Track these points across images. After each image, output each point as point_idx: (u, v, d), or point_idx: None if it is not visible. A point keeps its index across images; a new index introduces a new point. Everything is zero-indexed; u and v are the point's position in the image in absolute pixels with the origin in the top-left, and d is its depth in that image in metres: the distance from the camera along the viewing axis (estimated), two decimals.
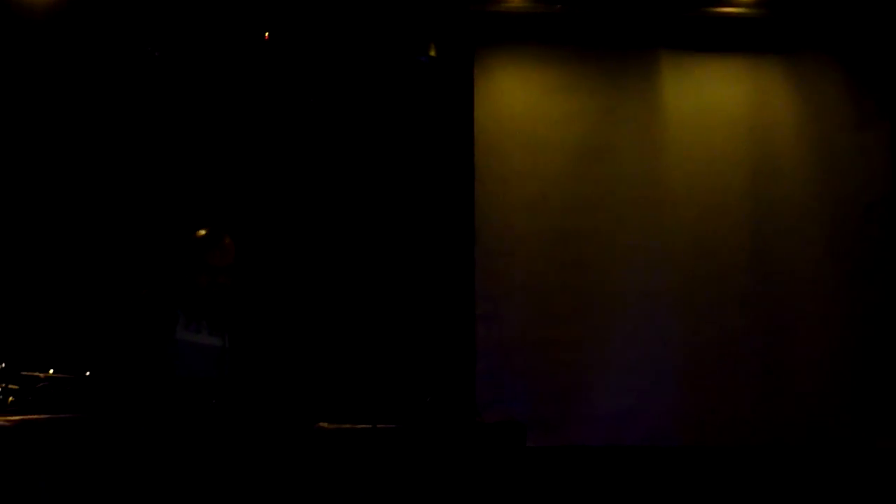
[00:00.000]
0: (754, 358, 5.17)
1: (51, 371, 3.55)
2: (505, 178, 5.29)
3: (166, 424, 3.45)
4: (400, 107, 5.34)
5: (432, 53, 5.09)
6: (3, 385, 3.44)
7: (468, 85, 5.30)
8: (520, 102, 5.37)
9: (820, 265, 5.27)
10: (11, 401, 3.41)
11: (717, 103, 5.41)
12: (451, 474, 4.24)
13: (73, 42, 4.97)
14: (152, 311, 3.64)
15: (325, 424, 3.98)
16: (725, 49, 5.43)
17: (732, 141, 5.38)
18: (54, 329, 4.69)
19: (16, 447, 3.18)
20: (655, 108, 5.37)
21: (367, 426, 4.03)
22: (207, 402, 3.62)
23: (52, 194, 4.98)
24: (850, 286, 5.24)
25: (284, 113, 5.18)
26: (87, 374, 3.59)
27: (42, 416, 3.33)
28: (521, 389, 5.08)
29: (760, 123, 5.40)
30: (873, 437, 5.07)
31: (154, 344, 3.62)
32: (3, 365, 3.52)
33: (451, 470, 4.25)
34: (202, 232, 3.83)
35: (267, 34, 5.11)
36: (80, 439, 3.35)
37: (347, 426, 4.02)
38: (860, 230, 5.30)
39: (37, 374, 3.51)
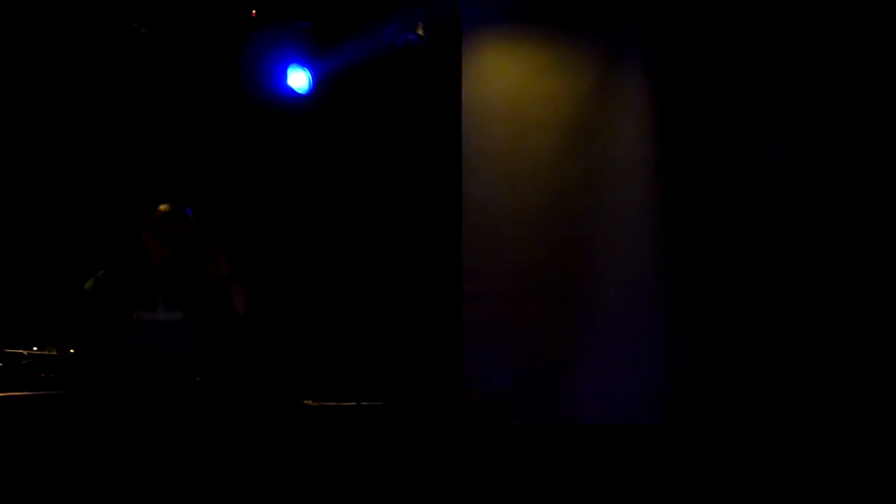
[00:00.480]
0: (740, 335, 5.18)
1: (34, 349, 3.56)
2: (493, 156, 5.27)
3: (148, 400, 3.47)
4: (388, 86, 5.33)
5: (420, 32, 5.07)
6: None
7: (456, 63, 5.28)
8: (507, 81, 5.35)
9: (806, 238, 5.26)
10: None
11: None
12: (436, 451, 4.26)
13: (60, 19, 4.95)
14: (110, 289, 3.65)
15: (309, 402, 4.00)
16: None
17: None
18: (37, 307, 4.69)
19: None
20: (644, 87, 5.36)
21: (352, 403, 4.05)
22: (190, 378, 3.64)
23: (23, 172, 4.94)
24: (837, 260, 5.23)
25: (268, 90, 5.17)
26: (71, 351, 3.59)
27: (26, 393, 3.36)
28: (507, 367, 5.09)
29: None
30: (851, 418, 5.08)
31: (113, 322, 3.64)
32: None
33: (437, 447, 4.27)
34: (164, 206, 3.84)
35: (254, 11, 5.11)
36: (64, 415, 3.38)
37: (332, 403, 4.04)
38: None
39: (20, 350, 3.53)
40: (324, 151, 5.31)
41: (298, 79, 5.16)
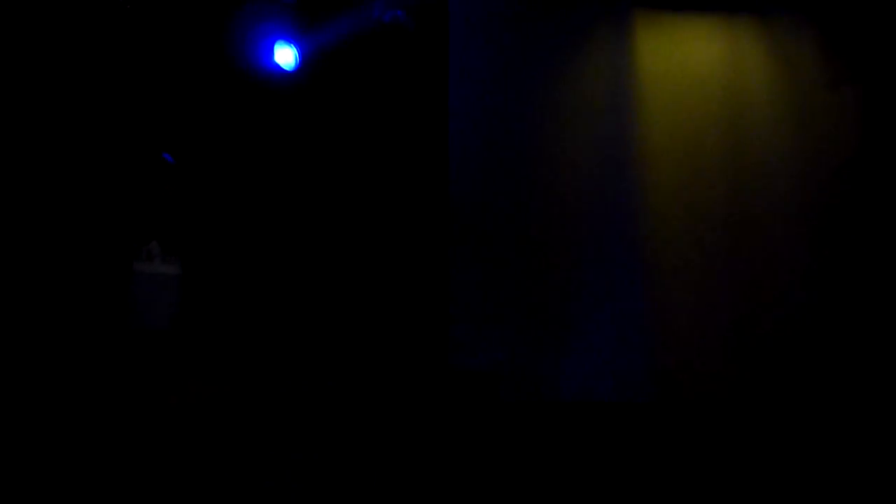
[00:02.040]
0: (726, 314, 5.20)
1: None
2: (481, 131, 5.28)
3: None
4: (374, 62, 5.30)
5: (406, 9, 5.06)
6: None
7: (443, 40, 5.27)
8: (493, 59, 5.35)
9: (792, 223, 5.31)
10: None
11: (691, 62, 5.42)
12: (422, 425, 4.25)
13: None
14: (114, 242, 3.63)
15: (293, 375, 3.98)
16: (699, 8, 5.44)
17: (706, 100, 5.40)
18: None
19: None
20: (629, 67, 5.36)
21: (336, 375, 4.03)
22: (163, 353, 3.61)
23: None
24: (821, 245, 5.29)
25: (254, 66, 5.14)
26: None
27: None
28: (493, 345, 5.08)
29: (734, 83, 5.41)
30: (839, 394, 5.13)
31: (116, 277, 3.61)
32: None
33: (423, 421, 4.26)
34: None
35: None
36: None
37: (317, 375, 4.02)
38: (831, 189, 5.34)
39: None
40: (311, 128, 5.28)
41: (285, 55, 5.14)
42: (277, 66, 5.13)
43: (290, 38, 5.15)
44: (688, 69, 5.42)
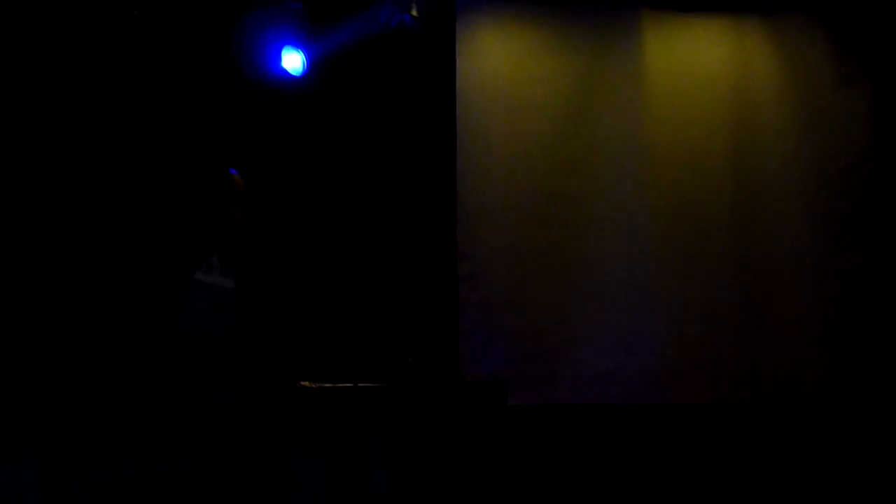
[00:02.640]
0: (734, 316, 5.21)
1: None
2: (487, 138, 5.26)
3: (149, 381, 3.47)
4: (382, 67, 5.30)
5: (414, 13, 5.05)
6: None
7: (450, 44, 5.27)
8: (501, 63, 5.33)
9: (800, 223, 5.30)
10: None
11: (699, 63, 5.39)
12: (432, 433, 4.27)
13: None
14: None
15: (306, 383, 3.99)
16: (707, 9, 5.42)
17: (714, 101, 5.37)
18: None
19: None
20: (637, 68, 5.35)
21: (349, 384, 4.05)
22: (187, 361, 3.63)
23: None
24: (830, 244, 5.28)
25: (262, 72, 5.14)
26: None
27: None
28: (503, 349, 5.10)
29: (743, 83, 5.38)
30: (848, 395, 5.14)
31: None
32: None
33: (433, 428, 4.28)
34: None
35: None
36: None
37: (329, 385, 4.03)
38: (841, 188, 5.33)
39: None
40: (318, 133, 5.28)
41: (292, 60, 5.13)
42: (285, 71, 5.13)
43: (297, 44, 5.14)
44: (695, 70, 5.40)
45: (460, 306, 5.14)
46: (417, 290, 5.19)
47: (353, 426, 3.88)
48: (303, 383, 3.97)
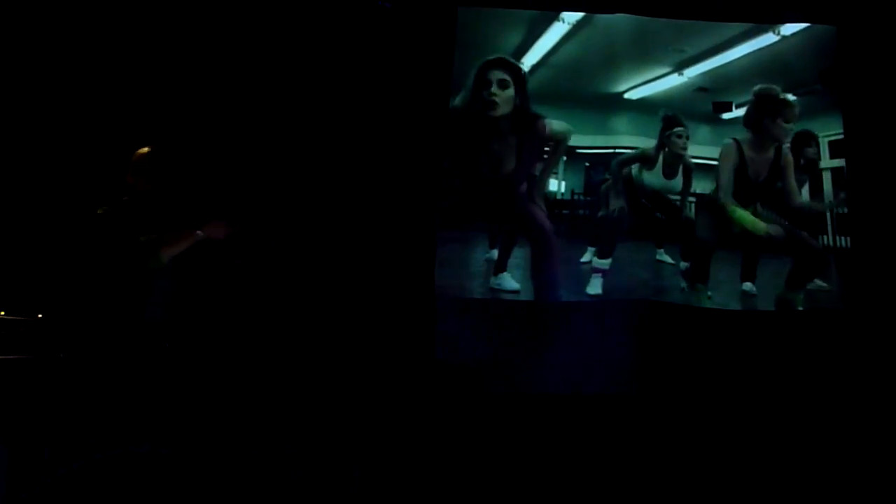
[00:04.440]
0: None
1: (2, 313, 3.54)
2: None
3: (119, 367, 3.47)
4: (365, 55, 5.27)
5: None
6: None
7: (447, 27, 5.27)
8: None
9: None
10: None
11: None
12: (407, 418, 4.28)
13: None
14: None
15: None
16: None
17: None
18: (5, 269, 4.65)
19: None
20: None
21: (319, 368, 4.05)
22: (160, 345, 3.63)
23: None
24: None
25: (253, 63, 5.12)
26: (39, 316, 3.58)
27: None
28: (479, 338, 5.10)
29: None
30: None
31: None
32: None
33: (408, 414, 4.29)
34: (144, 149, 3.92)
35: None
36: (31, 381, 3.37)
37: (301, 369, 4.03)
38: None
39: None
40: (294, 122, 5.26)
41: None
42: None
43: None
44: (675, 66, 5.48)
45: (437, 292, 5.14)
46: (395, 275, 5.16)
47: (326, 418, 3.88)
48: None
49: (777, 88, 5.35)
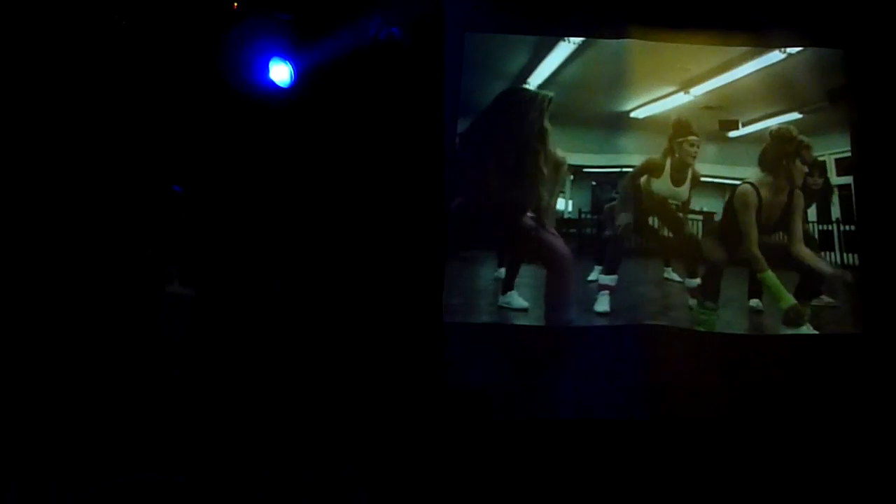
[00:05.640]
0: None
1: None
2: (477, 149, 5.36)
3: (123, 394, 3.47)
4: (370, 80, 5.29)
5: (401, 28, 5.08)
6: None
7: (438, 58, 5.28)
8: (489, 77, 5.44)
9: None
10: None
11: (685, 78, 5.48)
12: (416, 444, 4.27)
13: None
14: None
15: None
16: (694, 25, 5.44)
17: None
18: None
19: None
20: (624, 84, 5.43)
21: (332, 395, 4.05)
22: (170, 371, 3.64)
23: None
24: None
25: (249, 83, 5.14)
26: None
27: None
28: (488, 362, 5.09)
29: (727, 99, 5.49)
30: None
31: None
32: None
33: (417, 439, 4.28)
34: None
35: (235, 4, 5.08)
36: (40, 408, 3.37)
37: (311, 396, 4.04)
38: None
39: None
40: (306, 145, 5.28)
41: (280, 72, 5.13)
42: (272, 83, 5.12)
43: (285, 55, 5.13)
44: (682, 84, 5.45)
45: (445, 318, 5.13)
46: (403, 306, 5.16)
47: (333, 443, 3.88)
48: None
49: (794, 129, 5.33)
